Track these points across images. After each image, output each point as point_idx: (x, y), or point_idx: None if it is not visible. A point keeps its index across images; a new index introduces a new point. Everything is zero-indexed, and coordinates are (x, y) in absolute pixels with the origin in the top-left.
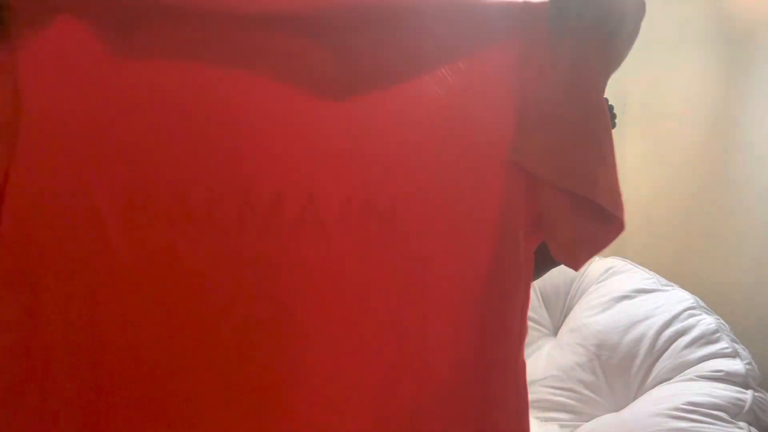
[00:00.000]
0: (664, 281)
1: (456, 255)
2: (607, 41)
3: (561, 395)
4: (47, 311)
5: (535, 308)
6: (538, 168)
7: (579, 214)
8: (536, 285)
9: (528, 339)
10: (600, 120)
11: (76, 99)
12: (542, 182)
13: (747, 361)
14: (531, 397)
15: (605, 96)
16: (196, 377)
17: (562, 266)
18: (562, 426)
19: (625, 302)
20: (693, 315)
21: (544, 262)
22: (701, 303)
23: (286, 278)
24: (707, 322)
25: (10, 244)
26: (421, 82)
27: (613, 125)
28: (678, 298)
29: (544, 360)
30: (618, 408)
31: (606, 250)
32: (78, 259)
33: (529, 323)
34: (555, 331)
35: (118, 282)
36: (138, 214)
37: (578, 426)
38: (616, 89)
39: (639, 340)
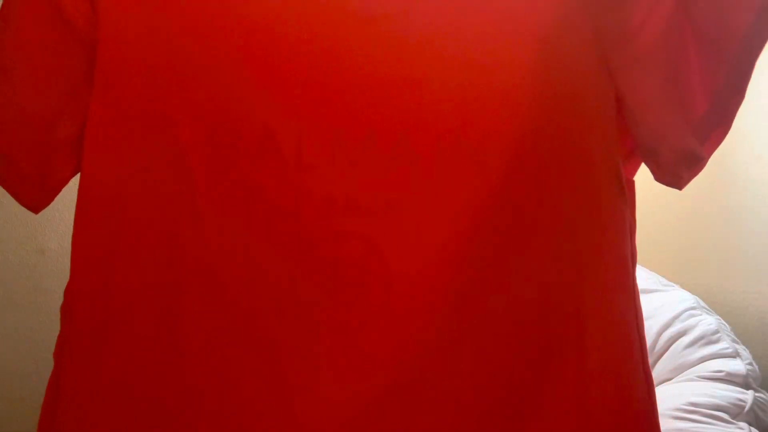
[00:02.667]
0: (664, 281)
1: (552, 185)
2: None
3: None
4: (129, 244)
5: None
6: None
7: (681, 124)
8: None
9: None
10: None
11: (155, 21)
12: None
13: (748, 361)
14: None
15: None
16: (279, 316)
17: None
18: None
19: None
20: (693, 315)
21: None
22: (702, 303)
23: (376, 218)
24: (708, 322)
25: (93, 179)
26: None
27: None
28: (678, 298)
29: None
30: None
31: None
32: (160, 195)
33: None
34: None
35: (201, 216)
36: (224, 155)
37: None
38: None
39: None
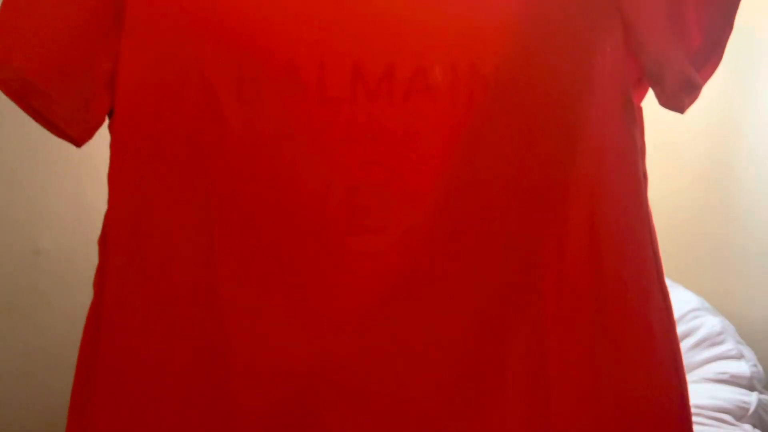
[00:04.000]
0: (669, 282)
1: (564, 116)
2: None
3: None
4: (162, 174)
5: None
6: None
7: (680, 54)
8: None
9: None
10: None
11: None
12: (644, 29)
13: (752, 363)
14: None
15: None
16: (305, 245)
17: None
18: None
19: None
20: (698, 316)
21: None
22: (706, 304)
23: (396, 146)
24: (712, 323)
25: (126, 115)
26: None
27: None
28: (683, 299)
29: None
30: None
31: None
32: (193, 137)
33: None
34: None
35: (233, 157)
36: (250, 88)
37: None
38: None
39: None
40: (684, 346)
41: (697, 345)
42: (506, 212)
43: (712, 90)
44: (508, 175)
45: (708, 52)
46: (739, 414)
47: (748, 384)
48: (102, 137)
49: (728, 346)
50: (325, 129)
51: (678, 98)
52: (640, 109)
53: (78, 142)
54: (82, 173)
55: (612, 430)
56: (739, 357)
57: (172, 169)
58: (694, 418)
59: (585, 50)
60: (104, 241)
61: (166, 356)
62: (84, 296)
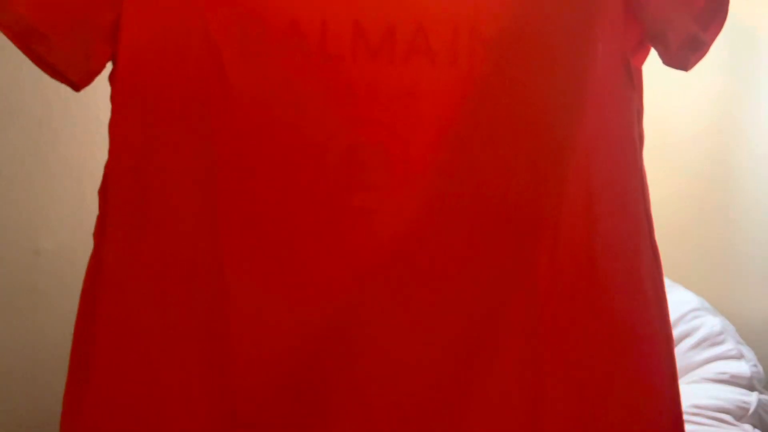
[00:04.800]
0: (669, 282)
1: (562, 80)
2: None
3: None
4: (164, 126)
5: None
6: None
7: (684, 14)
8: None
9: None
10: None
11: None
12: None
13: (752, 363)
14: None
15: None
16: (305, 201)
17: None
18: None
19: None
20: (698, 316)
21: None
22: (706, 304)
23: (396, 105)
24: (712, 323)
25: (128, 65)
26: None
27: None
28: (683, 299)
29: None
30: None
31: None
32: (195, 92)
33: None
34: None
35: (236, 113)
36: (253, 45)
37: None
38: None
39: None
40: (684, 346)
41: (697, 345)
42: (504, 173)
43: (712, 90)
44: (507, 137)
45: (713, 11)
46: (739, 414)
47: (748, 384)
48: (101, 136)
49: (728, 346)
50: (325, 86)
51: (683, 55)
52: (639, 72)
53: (78, 86)
54: (82, 173)
55: (606, 429)
56: (739, 357)
57: (173, 122)
58: (694, 418)
59: (585, 14)
60: (104, 192)
61: (164, 309)
62: None
